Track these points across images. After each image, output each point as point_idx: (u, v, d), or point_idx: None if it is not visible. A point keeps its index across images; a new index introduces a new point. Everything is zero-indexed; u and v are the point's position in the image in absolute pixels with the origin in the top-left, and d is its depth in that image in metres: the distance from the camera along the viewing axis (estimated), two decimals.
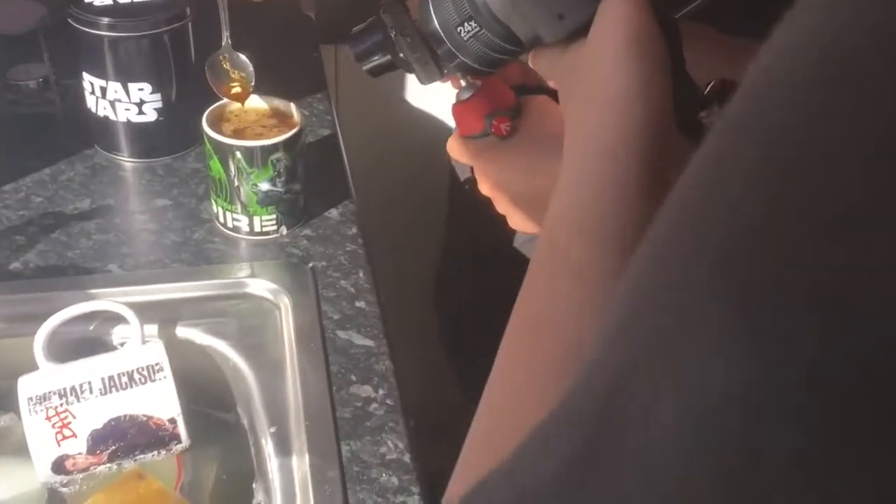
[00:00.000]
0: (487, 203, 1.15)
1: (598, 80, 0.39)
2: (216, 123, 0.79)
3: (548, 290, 0.35)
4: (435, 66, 0.54)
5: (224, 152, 0.77)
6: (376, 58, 0.56)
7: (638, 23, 0.38)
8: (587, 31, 0.42)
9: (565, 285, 0.34)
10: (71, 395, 0.65)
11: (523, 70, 0.65)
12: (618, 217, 0.35)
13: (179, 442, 0.68)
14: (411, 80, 1.38)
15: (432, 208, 1.21)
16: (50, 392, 0.65)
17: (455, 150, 0.64)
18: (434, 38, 0.51)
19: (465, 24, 0.48)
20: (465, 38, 0.49)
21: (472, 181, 1.20)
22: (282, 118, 0.82)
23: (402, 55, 0.54)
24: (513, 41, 0.48)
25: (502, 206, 0.66)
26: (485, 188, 0.64)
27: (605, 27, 0.39)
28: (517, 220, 0.66)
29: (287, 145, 0.77)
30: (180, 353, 0.69)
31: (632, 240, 0.34)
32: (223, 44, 0.81)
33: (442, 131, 1.31)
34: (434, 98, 1.36)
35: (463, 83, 0.59)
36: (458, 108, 0.61)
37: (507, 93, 0.62)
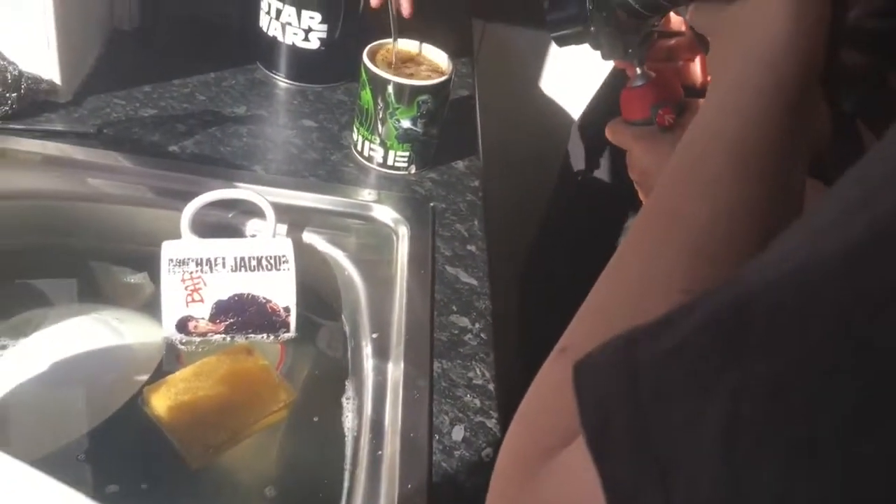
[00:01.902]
0: (595, 195, 1.18)
1: (757, 25, 0.42)
2: (373, 57, 0.85)
3: (680, 194, 0.40)
4: (622, 44, 0.58)
5: (377, 85, 0.83)
6: (567, 28, 0.60)
7: None
8: None
9: (699, 192, 0.39)
10: (206, 265, 0.72)
11: (694, 72, 0.68)
12: (757, 143, 0.39)
13: (287, 331, 0.75)
14: (548, 67, 1.43)
15: (540, 186, 1.25)
16: (189, 258, 0.72)
17: (615, 132, 0.66)
18: None
19: None
20: None
21: (585, 173, 1.23)
22: (433, 66, 0.87)
23: (592, 28, 0.58)
24: None
25: (647, 193, 0.68)
26: (634, 174, 0.66)
27: None
28: None
29: (435, 90, 0.83)
30: (302, 255, 0.76)
31: (767, 165, 0.38)
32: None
33: (564, 121, 1.35)
34: (562, 89, 1.41)
35: (638, 71, 0.62)
36: (628, 93, 0.63)
37: (678, 88, 0.64)
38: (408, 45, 0.88)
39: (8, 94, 0.81)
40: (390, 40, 0.87)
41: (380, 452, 0.62)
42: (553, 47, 1.38)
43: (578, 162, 1.20)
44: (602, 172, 1.16)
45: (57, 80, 0.85)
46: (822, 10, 0.42)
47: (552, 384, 0.37)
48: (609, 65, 1.19)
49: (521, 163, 1.36)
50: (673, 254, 0.37)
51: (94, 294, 0.78)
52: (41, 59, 0.83)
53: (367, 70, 0.83)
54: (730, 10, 0.47)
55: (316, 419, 0.71)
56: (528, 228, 1.30)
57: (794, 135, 0.40)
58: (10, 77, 0.81)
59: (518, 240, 1.29)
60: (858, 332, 0.20)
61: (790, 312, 0.22)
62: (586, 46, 0.65)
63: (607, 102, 1.17)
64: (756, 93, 0.41)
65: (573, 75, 1.34)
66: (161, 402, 0.66)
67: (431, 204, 0.85)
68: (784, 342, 0.21)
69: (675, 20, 0.67)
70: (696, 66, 0.67)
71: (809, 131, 0.41)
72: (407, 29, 0.88)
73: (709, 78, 0.69)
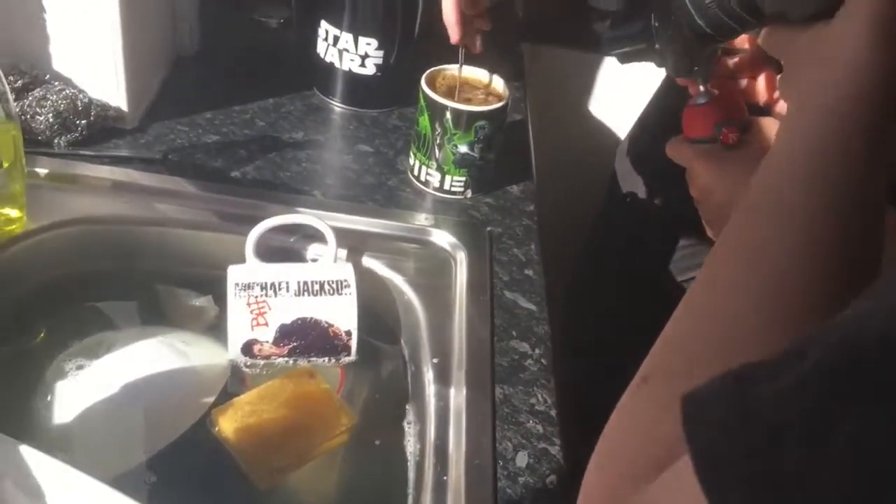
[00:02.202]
0: (644, 216, 1.18)
1: (837, 51, 0.42)
2: (431, 83, 0.86)
3: (763, 226, 0.40)
4: (688, 60, 0.58)
5: (435, 110, 0.84)
6: (630, 45, 0.61)
7: (889, 5, 0.41)
8: (828, 16, 0.45)
9: (781, 223, 0.39)
10: (270, 289, 0.73)
11: (758, 89, 0.68)
12: (838, 170, 0.39)
13: (349, 355, 0.75)
14: (597, 89, 1.43)
15: (591, 206, 1.25)
16: (254, 283, 0.73)
17: (676, 150, 0.66)
18: (676, 1, 0.53)
19: None
20: (707, 2, 0.51)
21: (635, 195, 1.23)
22: (489, 91, 0.88)
23: (657, 45, 0.58)
24: (754, 12, 0.50)
25: (706, 211, 0.67)
26: (695, 190, 0.66)
27: (856, 5, 0.43)
28: (716, 229, 0.66)
29: (492, 115, 0.84)
30: (362, 279, 0.77)
31: (848, 193, 0.38)
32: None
33: (611, 140, 1.35)
34: (611, 110, 1.41)
35: (701, 88, 0.62)
36: (691, 111, 0.63)
37: (741, 106, 0.64)
38: (464, 71, 0.89)
39: (78, 121, 0.84)
40: (447, 66, 0.88)
41: (445, 478, 0.62)
42: (601, 68, 1.39)
43: (626, 182, 1.20)
44: (651, 192, 1.16)
45: (124, 107, 0.87)
46: None
47: (636, 413, 0.38)
48: (655, 84, 1.19)
49: (571, 184, 1.37)
50: (758, 286, 0.38)
51: (160, 317, 0.79)
52: (109, 87, 0.86)
53: (426, 96, 0.85)
54: (806, 35, 0.47)
55: (378, 443, 0.72)
56: (575, 250, 1.30)
57: (874, 164, 0.40)
58: (80, 104, 0.84)
59: (567, 261, 1.29)
60: None
61: None
62: (642, 64, 0.65)
63: (653, 122, 1.17)
64: (836, 122, 0.41)
65: (621, 95, 1.34)
66: (229, 424, 0.67)
67: (488, 228, 0.86)
68: None
69: (739, 37, 0.67)
70: (761, 84, 0.67)
71: (889, 158, 0.41)
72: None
73: (775, 95, 0.69)
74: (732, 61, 0.66)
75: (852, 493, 0.22)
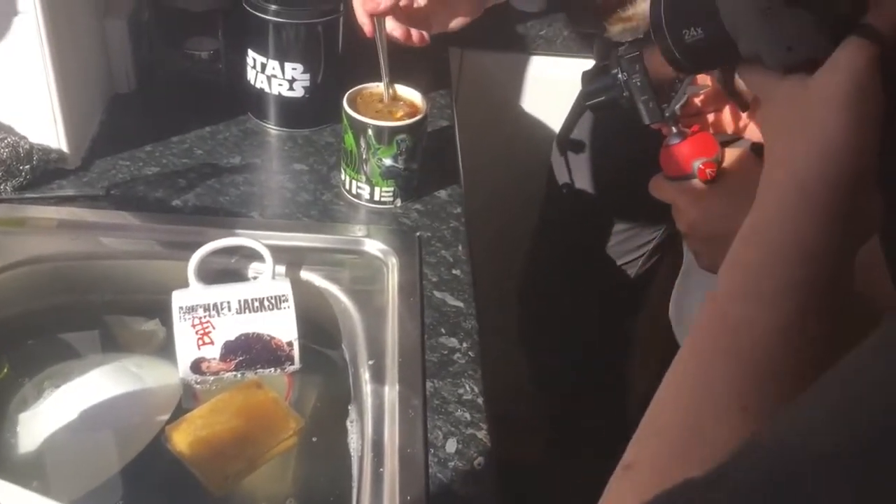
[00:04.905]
0: (580, 206, 1.24)
1: (813, 120, 0.42)
2: (353, 103, 0.92)
3: (746, 301, 0.40)
4: (657, 107, 0.63)
5: (358, 128, 0.90)
6: (603, 97, 0.65)
7: (867, 76, 0.41)
8: (807, 68, 0.44)
9: (763, 300, 0.40)
10: (213, 309, 0.79)
11: (725, 121, 0.70)
12: (807, 252, 0.39)
13: (293, 363, 0.81)
14: (527, 88, 1.49)
15: (529, 202, 1.32)
16: (197, 305, 0.79)
17: (659, 188, 0.70)
18: (657, 32, 0.53)
19: (693, 28, 0.51)
20: (686, 40, 0.52)
21: (570, 186, 1.30)
22: (409, 105, 0.94)
23: (626, 95, 0.63)
24: (732, 56, 0.50)
25: (694, 243, 0.71)
26: (682, 225, 0.70)
27: (836, 71, 0.42)
28: (705, 259, 0.70)
29: (411, 129, 0.90)
30: (301, 292, 0.82)
31: (819, 275, 0.39)
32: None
33: (546, 136, 1.41)
34: (543, 107, 1.47)
35: (674, 130, 0.66)
36: (667, 151, 0.67)
37: (714, 142, 0.67)
38: (384, 87, 0.94)
39: (21, 167, 0.89)
40: (368, 84, 0.94)
41: (381, 469, 0.68)
42: (529, 67, 1.45)
43: (562, 175, 1.26)
44: (584, 183, 1.23)
45: (65, 148, 0.92)
46: (877, 102, 0.41)
47: (621, 501, 0.39)
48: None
49: (511, 181, 1.43)
50: (731, 368, 0.38)
51: (113, 343, 0.85)
52: (49, 131, 0.91)
53: (348, 115, 0.90)
54: (786, 85, 0.46)
55: (324, 443, 0.77)
56: (522, 244, 1.36)
57: (849, 238, 0.40)
58: (22, 151, 0.88)
59: (513, 256, 1.36)
60: None
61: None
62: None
63: (580, 114, 1.23)
64: (812, 199, 0.40)
65: (552, 91, 1.40)
66: (182, 439, 0.73)
67: (417, 234, 0.91)
68: None
69: (701, 75, 0.68)
70: (727, 116, 0.71)
71: (864, 230, 0.42)
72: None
73: (741, 124, 0.69)
74: (698, 98, 0.70)
75: None
